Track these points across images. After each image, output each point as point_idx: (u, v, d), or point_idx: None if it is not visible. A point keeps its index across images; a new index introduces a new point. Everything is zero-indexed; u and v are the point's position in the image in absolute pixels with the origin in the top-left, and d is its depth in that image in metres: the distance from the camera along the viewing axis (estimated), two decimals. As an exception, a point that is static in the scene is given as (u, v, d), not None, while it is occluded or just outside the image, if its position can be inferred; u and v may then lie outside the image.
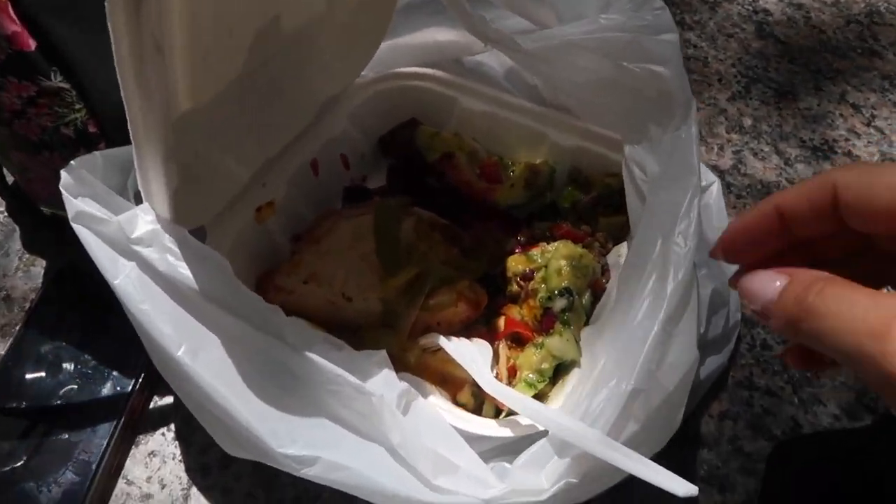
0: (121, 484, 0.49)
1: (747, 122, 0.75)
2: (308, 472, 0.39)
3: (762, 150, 0.72)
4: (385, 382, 0.42)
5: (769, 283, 0.26)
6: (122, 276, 0.40)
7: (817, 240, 0.28)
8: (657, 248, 0.44)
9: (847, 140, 0.73)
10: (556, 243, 0.54)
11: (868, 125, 0.74)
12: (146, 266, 0.40)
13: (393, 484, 0.37)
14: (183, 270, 0.39)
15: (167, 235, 0.40)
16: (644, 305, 0.42)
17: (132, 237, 0.39)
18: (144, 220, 0.40)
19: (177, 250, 0.40)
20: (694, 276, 0.42)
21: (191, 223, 0.47)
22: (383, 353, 0.44)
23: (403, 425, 0.39)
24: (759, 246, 0.29)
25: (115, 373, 0.52)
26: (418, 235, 0.53)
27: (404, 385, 0.43)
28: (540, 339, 0.50)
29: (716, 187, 0.59)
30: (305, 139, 0.58)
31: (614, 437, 0.38)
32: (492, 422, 0.46)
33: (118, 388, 0.51)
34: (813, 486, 0.49)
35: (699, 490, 0.50)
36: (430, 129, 0.62)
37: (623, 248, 0.56)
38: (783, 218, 0.28)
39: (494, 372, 0.52)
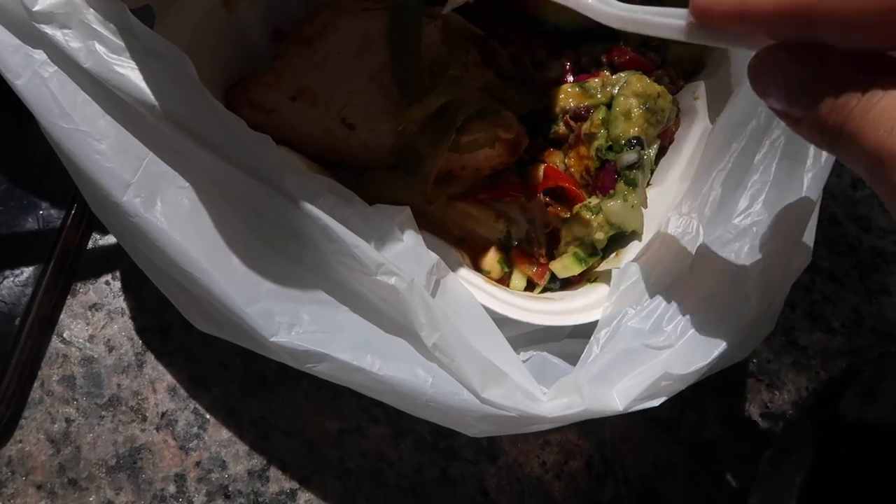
0: (55, 342, 0.38)
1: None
2: (313, 370, 0.29)
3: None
4: (414, 255, 0.30)
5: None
6: (29, 75, 0.26)
7: None
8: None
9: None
10: (624, 74, 0.41)
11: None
12: (64, 60, 0.26)
13: (434, 395, 0.28)
14: (123, 70, 0.25)
15: (93, 11, 0.25)
16: (756, 190, 0.31)
17: (35, 10, 0.25)
18: (51, -16, 0.25)
19: (112, 38, 0.25)
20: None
21: (128, -1, 0.32)
22: (407, 211, 0.33)
23: (438, 319, 0.28)
24: None
25: (38, 200, 0.39)
26: (450, 48, 0.39)
27: (434, 258, 0.32)
28: (595, 201, 0.39)
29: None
30: None
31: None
32: (534, 303, 0.36)
33: (45, 221, 0.39)
34: (870, 390, 0.42)
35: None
36: None
37: (700, 87, 0.43)
38: None
39: (524, 233, 0.41)
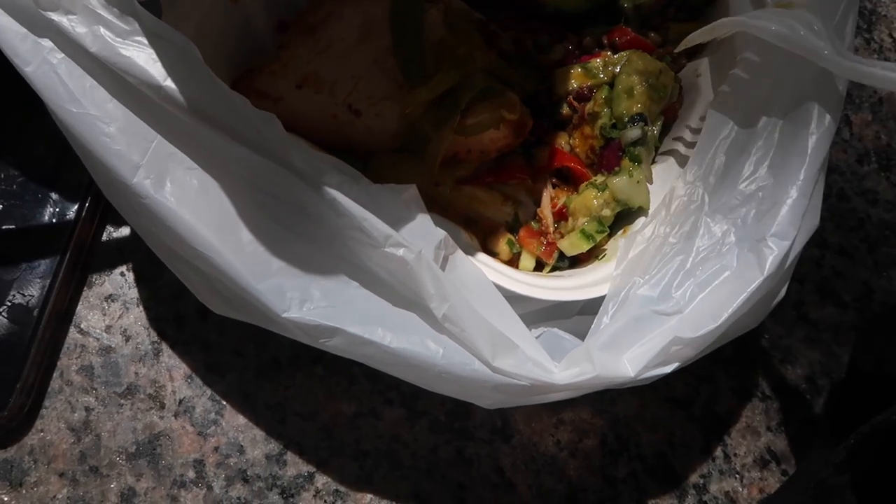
0: (73, 333, 0.38)
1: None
2: (326, 344, 0.28)
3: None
4: (421, 229, 0.30)
5: None
6: (38, 62, 0.26)
7: None
8: (788, 75, 0.32)
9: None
10: (625, 53, 0.41)
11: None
12: (70, 46, 0.26)
13: (446, 366, 0.28)
14: (128, 52, 0.25)
15: (99, -1, 0.25)
16: (760, 156, 0.31)
17: None
18: (59, -29, 0.25)
19: (116, 22, 0.25)
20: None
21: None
22: (413, 188, 0.32)
23: (447, 290, 0.28)
24: None
25: (53, 194, 0.39)
26: (452, 32, 0.38)
27: (442, 234, 0.31)
28: (601, 179, 0.39)
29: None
30: None
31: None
32: (543, 280, 0.36)
33: (59, 214, 0.39)
34: (883, 362, 0.42)
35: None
36: None
37: (702, 65, 0.43)
38: None
39: (532, 215, 0.41)
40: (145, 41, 0.26)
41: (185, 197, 0.27)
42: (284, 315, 0.27)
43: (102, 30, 0.25)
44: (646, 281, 0.30)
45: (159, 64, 0.26)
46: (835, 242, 0.46)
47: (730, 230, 0.30)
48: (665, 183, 0.39)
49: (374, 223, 0.28)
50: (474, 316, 0.28)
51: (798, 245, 0.31)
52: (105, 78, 0.26)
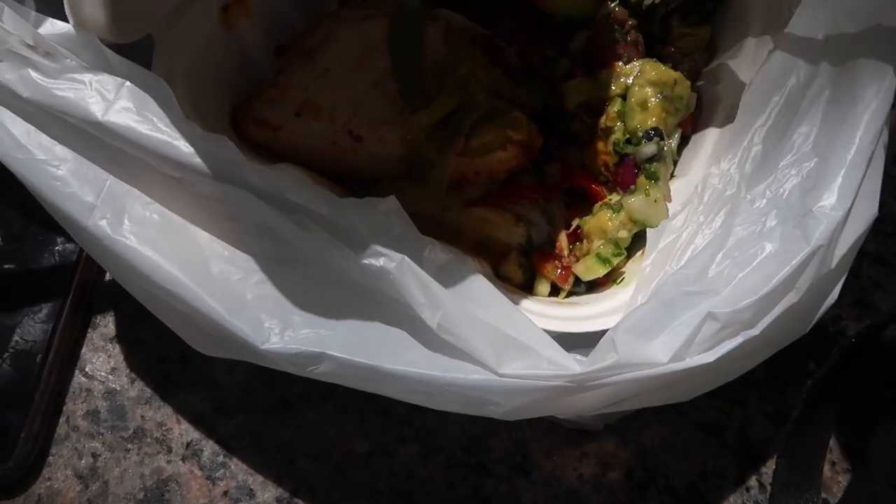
0: (78, 377, 0.37)
1: None
2: (315, 373, 0.26)
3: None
4: (405, 240, 0.28)
5: None
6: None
7: None
8: (823, 65, 0.29)
9: None
10: (637, 62, 0.38)
11: None
12: (4, 93, 0.25)
13: (451, 379, 0.25)
14: (63, 92, 0.24)
15: (15, 36, 0.24)
16: (804, 137, 0.28)
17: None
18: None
19: (45, 62, 0.24)
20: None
21: (128, 33, 0.31)
22: (392, 199, 0.30)
23: (438, 296, 0.26)
24: None
25: (54, 235, 0.38)
26: (453, 51, 0.37)
27: (429, 241, 0.29)
28: (616, 198, 0.37)
29: None
30: None
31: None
32: (558, 309, 0.34)
33: (61, 255, 0.38)
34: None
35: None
36: None
37: (723, 70, 0.40)
38: None
39: (545, 236, 0.39)
40: (80, 77, 0.24)
41: (146, 234, 0.25)
42: (264, 346, 0.25)
43: (32, 73, 0.24)
44: (679, 269, 0.28)
45: (97, 98, 0.24)
46: (873, 250, 0.43)
47: (771, 211, 0.27)
48: (696, 173, 0.36)
49: (348, 235, 0.26)
50: (472, 321, 0.25)
51: (852, 232, 0.27)
52: (47, 121, 0.25)
